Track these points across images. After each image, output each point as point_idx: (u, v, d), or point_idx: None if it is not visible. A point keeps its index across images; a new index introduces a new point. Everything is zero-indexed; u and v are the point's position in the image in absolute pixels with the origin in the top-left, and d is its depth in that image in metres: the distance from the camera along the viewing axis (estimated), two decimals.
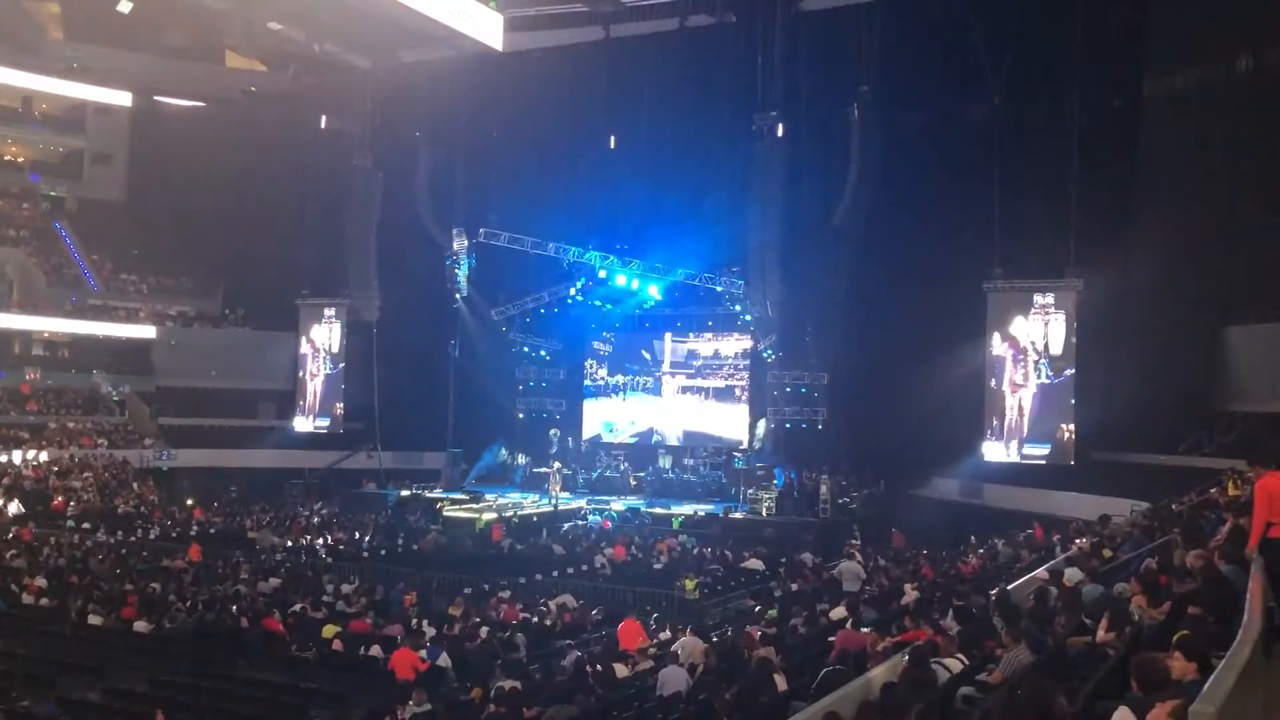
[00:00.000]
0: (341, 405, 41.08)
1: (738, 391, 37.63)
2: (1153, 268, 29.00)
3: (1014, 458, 30.96)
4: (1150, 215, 30.08)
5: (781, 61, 31.92)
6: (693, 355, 38.50)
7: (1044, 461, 30.41)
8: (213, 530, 30.30)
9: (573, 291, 37.09)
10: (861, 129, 31.88)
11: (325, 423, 41.28)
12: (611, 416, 39.63)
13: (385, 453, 39.79)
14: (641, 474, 36.13)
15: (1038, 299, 30.66)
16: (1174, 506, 17.80)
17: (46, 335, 42.97)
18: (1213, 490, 17.85)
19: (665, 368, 38.79)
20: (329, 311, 41.54)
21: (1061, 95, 29.65)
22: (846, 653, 10.15)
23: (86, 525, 29.56)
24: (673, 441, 38.03)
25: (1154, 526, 15.57)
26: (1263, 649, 6.33)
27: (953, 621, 10.67)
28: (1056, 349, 30.48)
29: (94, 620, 17.72)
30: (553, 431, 38.88)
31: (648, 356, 39.13)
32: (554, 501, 33.36)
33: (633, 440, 38.85)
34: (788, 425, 34.09)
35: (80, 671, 14.94)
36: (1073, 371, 30.28)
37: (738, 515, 31.36)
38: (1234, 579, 8.07)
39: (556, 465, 35.32)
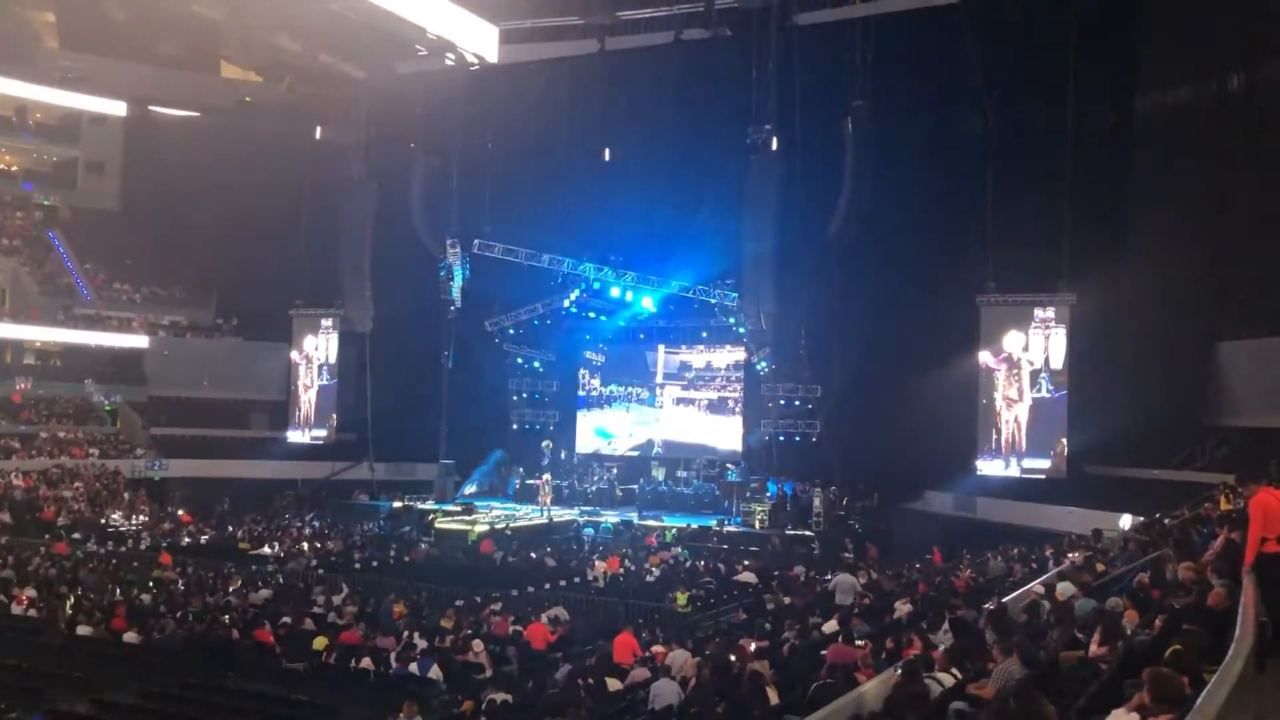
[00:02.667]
0: (335, 416, 41.04)
1: (730, 403, 37.61)
2: (1145, 282, 29.11)
3: (1014, 473, 31.02)
4: (1142, 230, 30.22)
5: (776, 75, 32.01)
6: (685, 367, 38.51)
7: (1043, 476, 30.47)
8: (204, 540, 30.18)
9: (567, 303, 37.07)
10: (855, 142, 31.96)
11: (321, 434, 41.24)
12: (609, 428, 39.62)
13: (378, 464, 39.76)
14: (632, 487, 36.03)
15: (1038, 313, 30.78)
16: (1166, 521, 17.84)
17: (38, 344, 42.84)
18: (1205, 505, 17.88)
19: (659, 379, 38.77)
20: (323, 322, 41.54)
21: (1054, 110, 29.80)
22: (837, 666, 10.13)
23: (77, 535, 29.43)
24: (670, 454, 37.94)
25: (1147, 541, 15.60)
26: (1255, 664, 6.32)
27: (946, 635, 10.66)
28: (1057, 363, 30.58)
29: (83, 631, 17.60)
30: (545, 443, 38.83)
31: (643, 366, 39.16)
32: (546, 513, 33.32)
33: (634, 453, 38.78)
34: (781, 438, 34.10)
35: (69, 682, 14.82)
36: (1068, 386, 30.38)
37: (732, 528, 31.32)
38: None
39: (546, 477, 35.28)
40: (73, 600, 19.69)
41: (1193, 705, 4.86)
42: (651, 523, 31.71)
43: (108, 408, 41.58)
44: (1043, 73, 30.27)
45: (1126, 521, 22.46)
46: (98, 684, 14.73)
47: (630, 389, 39.35)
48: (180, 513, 34.80)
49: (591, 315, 38.52)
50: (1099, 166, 30.35)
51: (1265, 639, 6.87)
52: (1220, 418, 28.45)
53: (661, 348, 38.79)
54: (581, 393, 40.34)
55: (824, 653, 11.66)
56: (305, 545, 28.38)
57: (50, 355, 43.39)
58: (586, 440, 39.86)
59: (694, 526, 31.10)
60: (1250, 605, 7.16)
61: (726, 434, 37.39)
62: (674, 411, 38.53)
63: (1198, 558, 10.48)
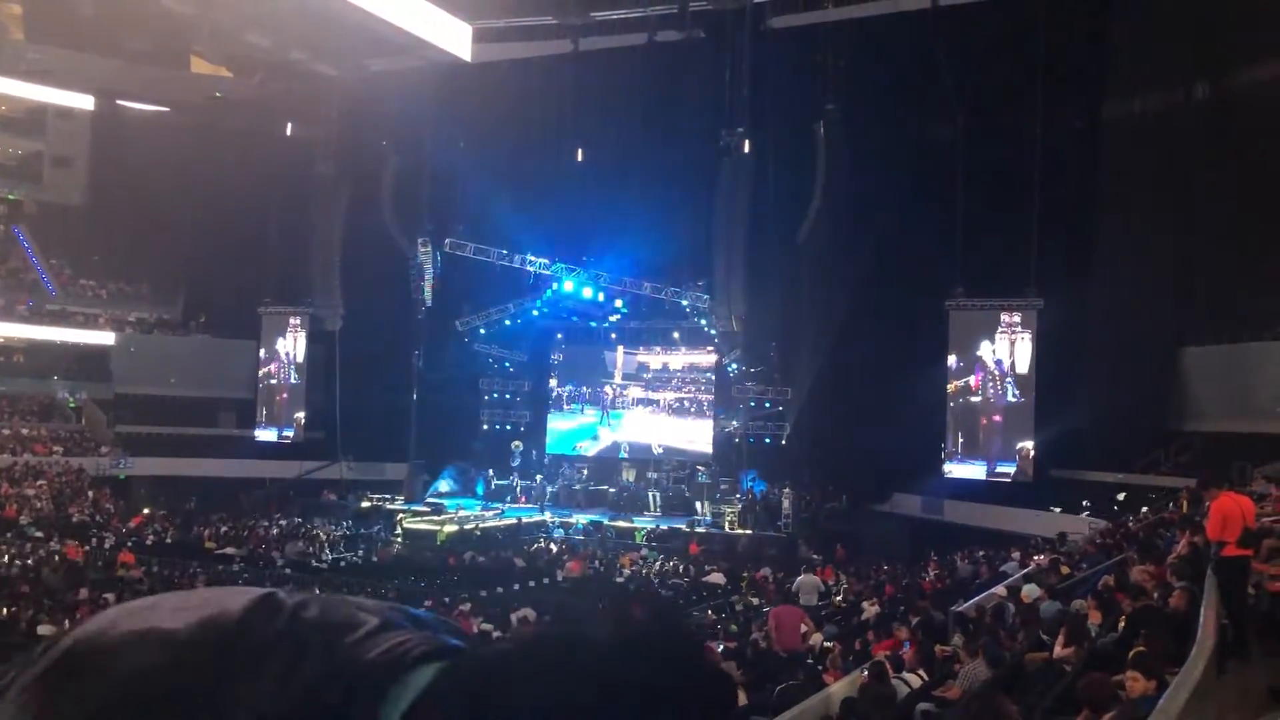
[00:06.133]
0: (303, 415, 40.77)
1: (687, 403, 37.48)
2: (1111, 288, 29.45)
3: (981, 476, 31.26)
4: (1109, 236, 30.56)
5: (749, 78, 32.15)
6: (643, 368, 38.33)
7: (1010, 480, 30.75)
8: (169, 539, 29.87)
9: (538, 303, 37.02)
10: (827, 146, 32.16)
11: (288, 433, 40.95)
12: (577, 430, 39.47)
13: (345, 463, 39.53)
14: (603, 488, 35.96)
15: (1004, 318, 31.03)
16: (1130, 524, 18.05)
17: (2, 340, 42.26)
18: (1169, 508, 18.10)
19: (618, 380, 38.63)
20: (292, 320, 41.26)
21: (1024, 116, 30.07)
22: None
23: (40, 534, 29.05)
24: (638, 455, 37.83)
25: (1111, 544, 15.77)
26: (1216, 667, 6.41)
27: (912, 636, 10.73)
28: (1023, 368, 30.85)
29: (44, 630, 17.37)
30: (515, 444, 38.70)
31: (602, 366, 39.07)
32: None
33: (601, 455, 38.67)
34: (751, 440, 34.19)
35: None
36: (1034, 390, 30.66)
37: (702, 530, 31.36)
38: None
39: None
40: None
41: (1155, 707, 4.92)
42: (622, 524, 31.72)
43: (72, 404, 41.08)
44: (1012, 80, 30.55)
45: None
46: None
47: (591, 390, 39.16)
48: (145, 511, 34.31)
49: (563, 316, 38.46)
50: (1067, 173, 30.66)
51: (1226, 642, 6.96)
52: (1183, 422, 28.81)
53: (620, 348, 38.69)
54: (556, 393, 40.14)
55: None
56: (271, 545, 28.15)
57: (14, 351, 42.80)
58: (556, 441, 39.66)
59: (663, 528, 31.13)
60: (1211, 609, 7.26)
61: (696, 436, 37.31)
62: (635, 413, 38.38)
63: (1161, 561, 10.62)
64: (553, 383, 39.93)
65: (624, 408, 38.49)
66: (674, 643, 0.83)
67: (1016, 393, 30.92)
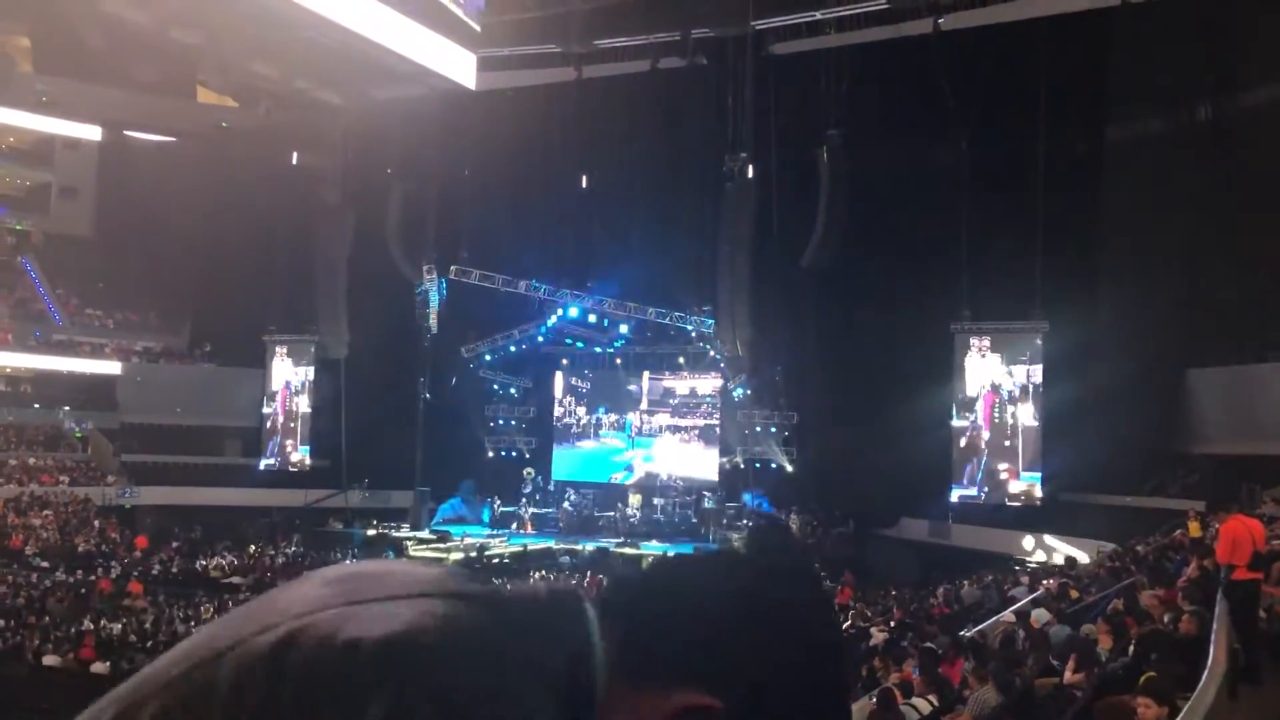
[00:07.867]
0: (309, 443, 40.75)
1: (716, 429, 37.32)
2: (1116, 310, 29.45)
3: (988, 500, 31.15)
4: (1114, 258, 30.60)
5: (752, 104, 32.28)
6: (670, 393, 38.20)
7: (1018, 504, 30.63)
8: (174, 569, 29.83)
9: (543, 329, 37.06)
10: (830, 171, 32.21)
11: (295, 460, 40.92)
12: (597, 457, 39.19)
13: (352, 491, 39.47)
14: (609, 514, 35.76)
15: (1010, 340, 31.04)
16: (1139, 548, 17.96)
17: (9, 370, 42.38)
18: (1177, 532, 18.02)
19: (644, 406, 38.50)
20: (297, 348, 41.31)
21: (1027, 140, 30.14)
22: None
23: (45, 564, 29.04)
24: (667, 482, 37.34)
25: (1119, 568, 15.69)
26: (1228, 692, 6.36)
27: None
28: (1030, 391, 30.82)
29: (50, 661, 17.34)
30: (527, 471, 38.55)
31: (625, 392, 38.92)
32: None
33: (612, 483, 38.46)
34: (757, 465, 34.12)
35: (36, 714, 14.60)
36: (1041, 413, 30.61)
37: None
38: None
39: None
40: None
41: None
42: (628, 550, 31.58)
43: (78, 434, 41.11)
44: (1015, 102, 30.65)
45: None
46: (64, 716, 14.50)
47: (618, 417, 38.93)
48: (138, 538, 34.17)
49: (569, 342, 38.48)
50: (1071, 196, 30.71)
51: (1238, 666, 6.91)
52: (1190, 445, 28.73)
53: (646, 374, 38.56)
54: (568, 420, 39.97)
55: None
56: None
57: (20, 381, 42.90)
58: (563, 468, 39.43)
59: (670, 554, 30.91)
60: (1222, 633, 7.21)
61: (704, 461, 37.12)
62: (665, 439, 38.14)
63: (1171, 584, 10.56)
64: (581, 410, 39.72)
65: (652, 435, 38.28)
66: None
67: (1023, 416, 30.86)
